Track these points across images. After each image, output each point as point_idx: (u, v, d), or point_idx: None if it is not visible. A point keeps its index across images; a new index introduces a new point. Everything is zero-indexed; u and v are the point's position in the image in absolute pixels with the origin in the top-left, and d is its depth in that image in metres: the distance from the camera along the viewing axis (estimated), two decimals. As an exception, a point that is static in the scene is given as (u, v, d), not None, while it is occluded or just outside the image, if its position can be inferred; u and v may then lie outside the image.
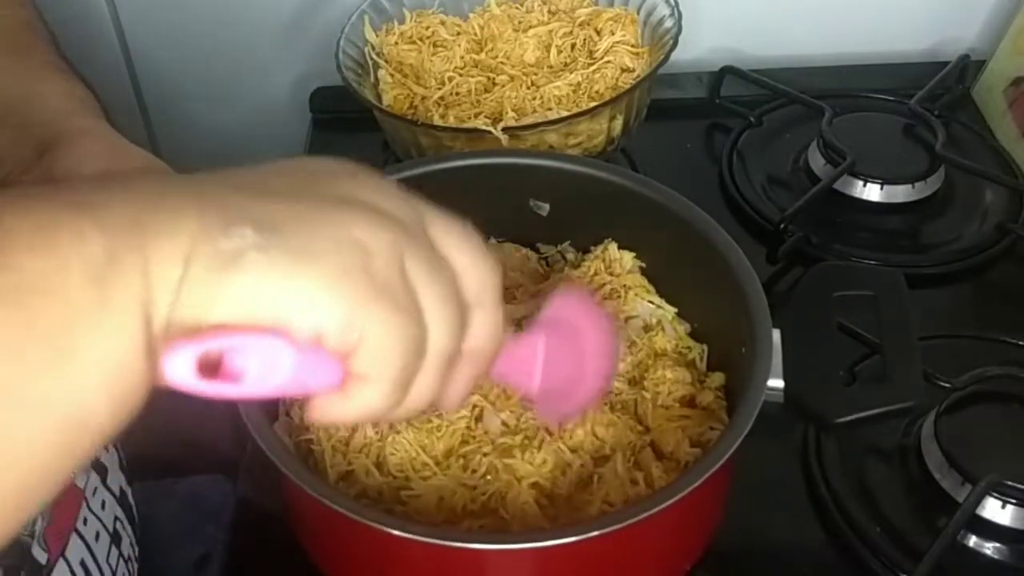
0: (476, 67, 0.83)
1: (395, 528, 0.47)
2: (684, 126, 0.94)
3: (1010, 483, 0.60)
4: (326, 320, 0.33)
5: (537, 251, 0.71)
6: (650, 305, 0.65)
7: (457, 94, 0.81)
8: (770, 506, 0.64)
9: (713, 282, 0.60)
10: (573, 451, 0.57)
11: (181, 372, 0.32)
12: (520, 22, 0.86)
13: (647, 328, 0.65)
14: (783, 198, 0.84)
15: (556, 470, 0.56)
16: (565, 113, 0.77)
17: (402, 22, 0.86)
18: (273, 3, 0.97)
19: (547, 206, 0.69)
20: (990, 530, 0.61)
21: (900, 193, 0.83)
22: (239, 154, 1.15)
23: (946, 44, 0.99)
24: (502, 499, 0.55)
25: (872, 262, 0.77)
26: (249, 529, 0.64)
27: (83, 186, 0.33)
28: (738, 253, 0.59)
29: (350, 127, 0.89)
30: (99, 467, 0.59)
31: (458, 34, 0.86)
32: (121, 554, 0.59)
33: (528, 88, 0.81)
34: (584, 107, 0.77)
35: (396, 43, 0.85)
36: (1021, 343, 0.71)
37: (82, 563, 0.54)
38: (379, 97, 0.82)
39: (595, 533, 0.47)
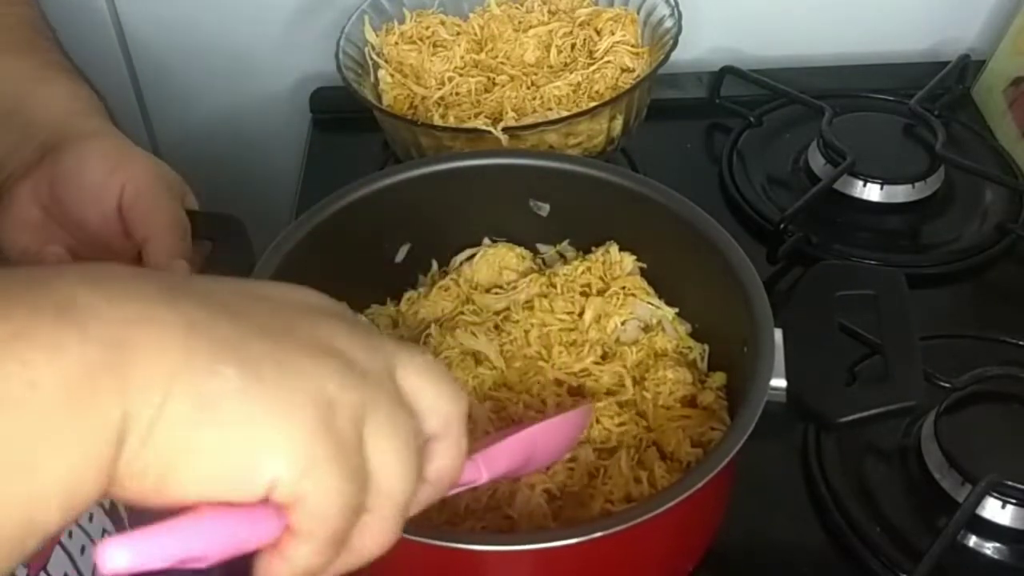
0: (476, 67, 0.83)
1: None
2: (684, 126, 0.94)
3: (1010, 483, 0.60)
4: (285, 474, 0.32)
5: (537, 251, 0.71)
6: (650, 307, 0.65)
7: (457, 94, 0.81)
8: (770, 506, 0.64)
9: (714, 282, 0.60)
10: (580, 443, 0.57)
11: (115, 563, 0.31)
12: (520, 22, 0.86)
13: (647, 329, 0.65)
14: (783, 198, 0.84)
15: (566, 468, 0.56)
16: (565, 113, 0.77)
17: (402, 22, 0.86)
18: (273, 3, 0.97)
19: (547, 206, 0.69)
20: (990, 530, 0.61)
21: (900, 193, 0.83)
22: (239, 154, 1.15)
23: (946, 44, 0.99)
24: (508, 499, 0.55)
25: (872, 262, 0.77)
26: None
27: (71, 278, 0.31)
28: (739, 252, 0.59)
29: (350, 127, 0.89)
30: None
31: (458, 34, 0.86)
32: None
33: (528, 88, 0.81)
34: (584, 107, 0.77)
35: (396, 43, 0.85)
36: (1021, 343, 0.71)
37: None
38: (379, 97, 0.82)
39: (598, 534, 0.46)
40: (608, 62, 0.81)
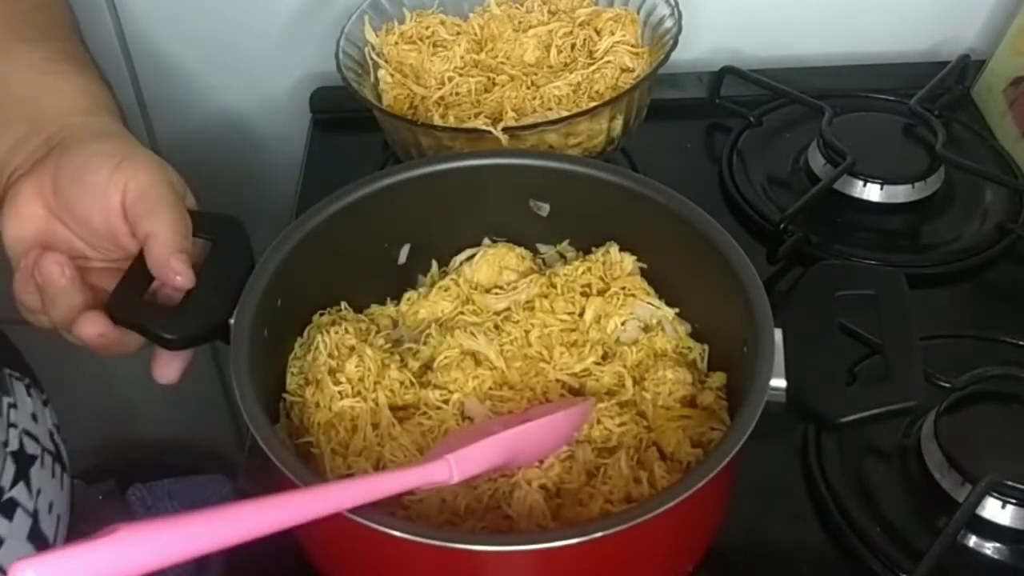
0: (476, 67, 0.83)
1: (395, 529, 0.47)
2: (684, 126, 0.94)
3: (1010, 483, 0.60)
4: None
5: (537, 251, 0.71)
6: (650, 307, 0.65)
7: (457, 94, 0.81)
8: (770, 506, 0.64)
9: (714, 282, 0.60)
10: (579, 442, 0.57)
11: None
12: (520, 22, 0.86)
13: (647, 329, 0.65)
14: (783, 198, 0.84)
15: (562, 464, 0.56)
16: (565, 113, 0.77)
17: (402, 22, 0.86)
18: (273, 3, 0.97)
19: (547, 206, 0.69)
20: (990, 530, 0.61)
21: (900, 193, 0.83)
22: (239, 154, 1.15)
23: (946, 44, 0.99)
24: (507, 497, 0.55)
25: (872, 262, 0.77)
26: (249, 529, 0.64)
27: None
28: (739, 252, 0.59)
29: (350, 127, 0.89)
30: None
31: (458, 34, 0.86)
32: None
33: (528, 88, 0.81)
34: (584, 107, 0.77)
35: (396, 43, 0.84)
36: (1021, 343, 0.72)
37: None
38: (379, 97, 0.82)
39: (598, 534, 0.47)
40: (608, 62, 0.81)
